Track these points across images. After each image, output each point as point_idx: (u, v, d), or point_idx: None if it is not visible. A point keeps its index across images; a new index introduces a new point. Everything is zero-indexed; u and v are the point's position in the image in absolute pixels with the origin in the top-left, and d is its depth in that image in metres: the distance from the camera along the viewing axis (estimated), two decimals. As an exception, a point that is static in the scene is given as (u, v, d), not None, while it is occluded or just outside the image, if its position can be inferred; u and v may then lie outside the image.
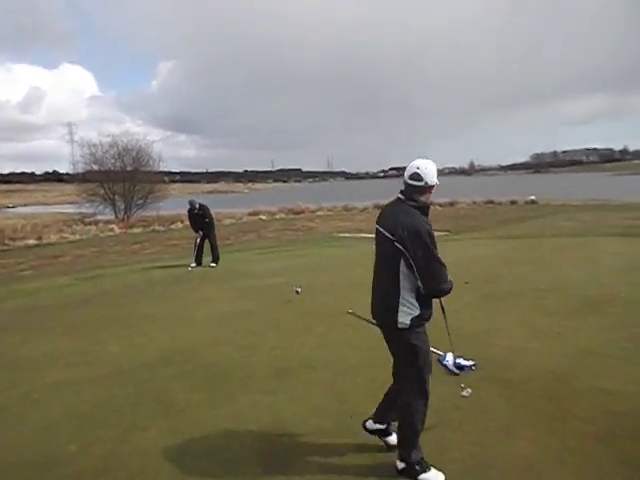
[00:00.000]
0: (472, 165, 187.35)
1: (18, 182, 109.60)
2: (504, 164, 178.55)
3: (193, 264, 10.26)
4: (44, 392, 3.84)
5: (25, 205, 61.97)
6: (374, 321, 3.01)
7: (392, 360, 2.89)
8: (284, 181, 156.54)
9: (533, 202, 33.05)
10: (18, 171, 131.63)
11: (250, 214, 30.83)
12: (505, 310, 5.59)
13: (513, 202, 34.19)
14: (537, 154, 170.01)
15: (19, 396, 3.79)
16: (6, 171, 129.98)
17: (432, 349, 4.35)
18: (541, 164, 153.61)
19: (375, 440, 2.93)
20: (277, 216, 30.77)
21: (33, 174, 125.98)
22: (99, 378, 4.09)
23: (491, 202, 35.24)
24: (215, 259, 10.32)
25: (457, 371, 3.78)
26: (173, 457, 2.85)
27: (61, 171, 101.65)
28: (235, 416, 3.32)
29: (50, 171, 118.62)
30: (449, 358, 3.97)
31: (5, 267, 14.19)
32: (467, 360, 3.92)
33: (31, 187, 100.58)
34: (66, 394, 3.78)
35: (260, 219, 29.60)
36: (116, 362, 4.47)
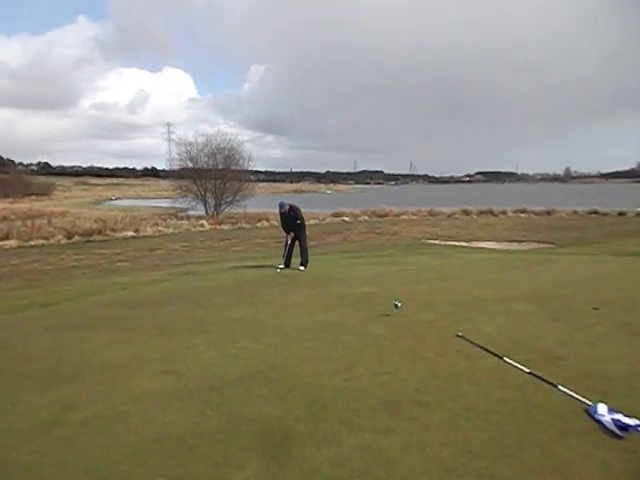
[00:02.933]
0: (568, 172, 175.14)
1: (121, 176, 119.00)
2: (605, 171, 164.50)
3: (281, 265, 10.02)
4: (132, 405, 3.57)
5: (125, 198, 66.74)
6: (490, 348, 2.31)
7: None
8: (366, 183, 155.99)
9: (645, 214, 29.82)
10: (121, 166, 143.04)
11: (333, 215, 30.63)
12: (655, 348, 4.59)
13: (621, 214, 31.10)
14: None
15: (105, 408, 3.53)
16: (112, 166, 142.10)
17: (575, 395, 3.57)
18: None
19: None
20: (360, 218, 30.32)
21: (134, 169, 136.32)
22: (190, 393, 3.76)
23: (595, 212, 32.30)
24: (304, 262, 9.99)
25: (620, 432, 2.96)
26: (273, 510, 2.40)
27: (158, 167, 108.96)
28: (341, 461, 2.80)
29: (149, 167, 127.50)
30: (603, 411, 3.17)
31: (105, 257, 14.98)
32: (629, 417, 3.10)
33: (131, 181, 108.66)
34: (155, 410, 3.47)
35: (343, 220, 29.32)
36: (208, 374, 4.15)
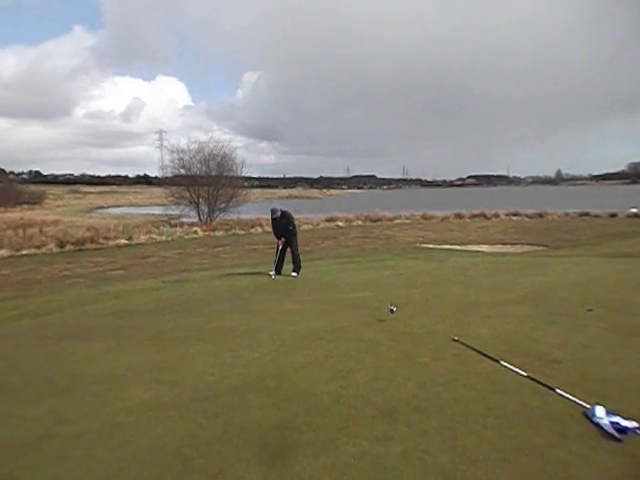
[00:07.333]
0: (559, 174, 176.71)
1: (113, 184, 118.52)
2: (595, 173, 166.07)
3: (272, 272, 9.96)
4: (127, 416, 3.52)
5: (117, 206, 66.40)
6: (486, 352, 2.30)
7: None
8: (359, 187, 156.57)
9: (637, 216, 30.07)
10: (114, 174, 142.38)
11: (327, 220, 30.65)
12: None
13: (612, 215, 31.34)
14: (635, 163, 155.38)
15: (100, 420, 3.49)
16: (104, 174, 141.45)
17: (572, 398, 3.56)
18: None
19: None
20: (354, 223, 30.36)
21: (127, 177, 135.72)
22: (185, 403, 3.72)
23: (586, 214, 32.57)
24: (297, 269, 9.94)
25: (618, 435, 2.95)
26: (271, 522, 2.36)
27: (151, 175, 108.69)
28: (339, 470, 2.77)
29: (142, 174, 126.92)
30: (601, 414, 3.16)
31: (98, 266, 14.86)
32: (627, 419, 3.09)
33: (123, 189, 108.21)
34: (150, 421, 3.43)
35: (337, 225, 29.32)
36: (203, 383, 4.11)
